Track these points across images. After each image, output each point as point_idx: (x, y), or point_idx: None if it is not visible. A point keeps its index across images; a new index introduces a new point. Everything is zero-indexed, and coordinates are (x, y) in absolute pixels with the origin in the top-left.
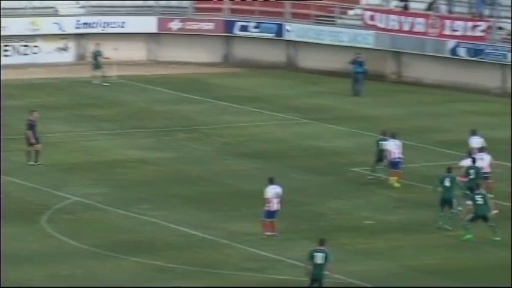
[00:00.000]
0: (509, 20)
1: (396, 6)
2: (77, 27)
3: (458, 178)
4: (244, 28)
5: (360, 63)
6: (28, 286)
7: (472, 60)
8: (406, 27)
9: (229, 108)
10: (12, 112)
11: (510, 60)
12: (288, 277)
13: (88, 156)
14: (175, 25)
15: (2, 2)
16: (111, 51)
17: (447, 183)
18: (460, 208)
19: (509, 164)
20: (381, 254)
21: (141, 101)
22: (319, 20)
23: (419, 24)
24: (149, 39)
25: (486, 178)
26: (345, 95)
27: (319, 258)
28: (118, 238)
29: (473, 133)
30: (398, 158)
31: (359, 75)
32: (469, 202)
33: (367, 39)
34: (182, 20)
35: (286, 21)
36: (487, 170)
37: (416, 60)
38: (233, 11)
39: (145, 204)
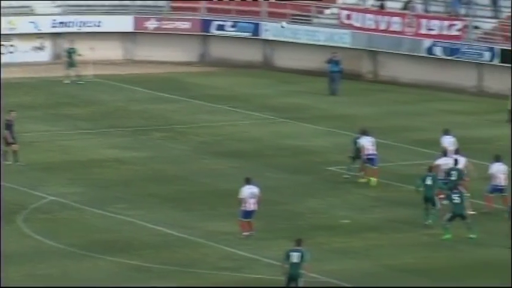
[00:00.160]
0: (485, 19)
1: (372, 6)
2: (53, 27)
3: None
4: (220, 27)
5: (336, 63)
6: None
7: (448, 59)
8: (382, 27)
9: (205, 108)
10: None
11: (486, 59)
12: (264, 276)
13: (64, 155)
14: (151, 24)
15: None
16: (87, 50)
17: (429, 181)
18: (440, 206)
19: (486, 163)
20: (358, 253)
21: (117, 100)
22: (295, 19)
23: (396, 24)
24: (125, 38)
25: (462, 178)
26: (322, 94)
27: (295, 257)
28: (94, 237)
29: (446, 132)
30: (373, 154)
31: (335, 74)
32: (446, 202)
33: (343, 38)
34: (158, 19)
35: (262, 21)
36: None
37: (392, 60)
38: (209, 10)
39: (122, 203)
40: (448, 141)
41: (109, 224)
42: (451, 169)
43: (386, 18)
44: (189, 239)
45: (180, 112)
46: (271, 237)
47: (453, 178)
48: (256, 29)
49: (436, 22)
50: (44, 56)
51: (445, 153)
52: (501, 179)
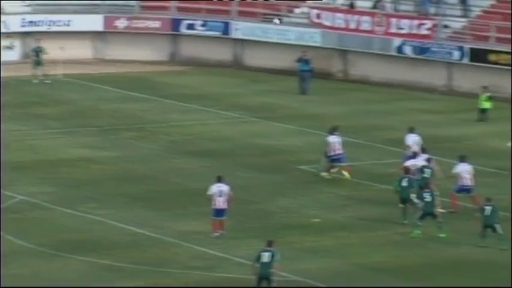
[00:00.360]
0: (455, 18)
1: (342, 5)
2: (23, 26)
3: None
4: (190, 26)
5: (306, 62)
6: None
7: (418, 59)
8: (352, 26)
9: (176, 107)
10: None
11: (456, 58)
12: (235, 275)
13: (34, 155)
14: (121, 23)
15: None
16: (57, 49)
17: (404, 183)
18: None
19: (453, 162)
20: (329, 252)
21: (87, 100)
22: (266, 18)
23: (366, 23)
24: (95, 37)
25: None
26: (292, 93)
27: (265, 257)
28: (64, 237)
29: (411, 130)
30: (339, 154)
31: (305, 73)
32: (417, 201)
33: (313, 37)
34: (128, 19)
35: (232, 20)
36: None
37: (362, 59)
38: (180, 9)
39: (92, 203)
40: (412, 140)
41: (79, 223)
42: (425, 166)
43: (356, 17)
44: (160, 239)
45: (151, 111)
46: (242, 237)
47: (426, 176)
48: (226, 28)
49: (405, 21)
50: (13, 55)
51: (415, 155)
52: (467, 179)
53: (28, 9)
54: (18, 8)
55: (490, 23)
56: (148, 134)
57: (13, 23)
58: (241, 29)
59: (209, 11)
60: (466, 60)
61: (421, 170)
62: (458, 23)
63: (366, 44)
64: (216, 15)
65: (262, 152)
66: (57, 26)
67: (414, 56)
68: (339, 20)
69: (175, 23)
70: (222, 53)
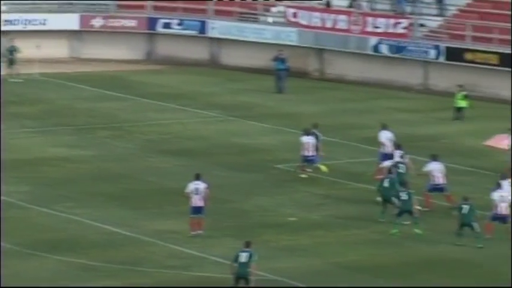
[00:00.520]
0: (431, 17)
1: (319, 4)
2: None
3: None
4: (167, 25)
5: (282, 60)
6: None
7: (394, 57)
8: (328, 25)
9: (152, 106)
10: None
11: (432, 57)
12: (212, 274)
13: (10, 154)
14: (97, 22)
15: None
16: (33, 48)
17: (386, 183)
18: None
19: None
20: (305, 251)
21: (63, 99)
22: (242, 17)
23: (342, 22)
24: (71, 36)
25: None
26: (269, 92)
27: (243, 257)
28: (41, 236)
29: (384, 127)
30: (312, 154)
31: (281, 72)
32: (394, 199)
33: (290, 36)
34: (104, 17)
35: (209, 19)
36: None
37: (339, 57)
38: (156, 8)
39: (68, 202)
40: (386, 137)
41: (55, 222)
42: (399, 162)
43: (332, 16)
44: (136, 238)
45: (127, 110)
46: (218, 235)
47: (401, 171)
48: (202, 27)
49: (382, 20)
50: None
51: (390, 156)
52: (439, 178)
53: (4, 8)
54: None
55: (466, 22)
56: (124, 133)
57: None
58: (217, 28)
59: (185, 10)
60: (442, 59)
61: (395, 166)
62: (434, 22)
63: (342, 42)
64: (193, 14)
65: (239, 151)
66: (33, 25)
67: (390, 55)
68: (315, 19)
69: (152, 22)
70: (198, 52)
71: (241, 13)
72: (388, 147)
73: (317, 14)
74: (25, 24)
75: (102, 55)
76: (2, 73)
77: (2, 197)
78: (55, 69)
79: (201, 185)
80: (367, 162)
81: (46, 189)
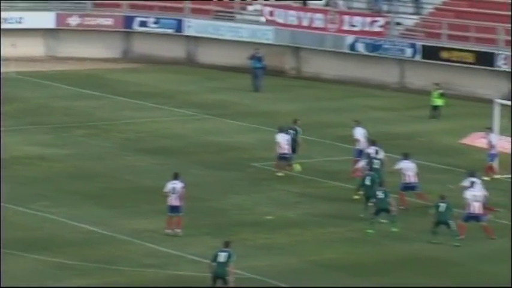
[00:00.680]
0: (407, 16)
1: (295, 2)
2: None
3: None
4: (143, 24)
5: (259, 59)
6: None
7: (371, 56)
8: (305, 23)
9: (129, 104)
10: None
11: (408, 56)
12: (188, 273)
13: None
14: (73, 21)
15: None
16: (9, 47)
17: (367, 182)
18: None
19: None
20: (282, 249)
21: (39, 97)
22: (218, 16)
23: (318, 20)
24: (47, 35)
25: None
26: (245, 90)
27: (222, 257)
28: (17, 235)
29: (357, 124)
30: (287, 153)
31: (258, 70)
32: (369, 202)
33: (266, 34)
34: (81, 16)
35: (185, 17)
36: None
37: (315, 56)
38: (132, 6)
39: (44, 201)
40: (360, 133)
41: (31, 221)
42: (374, 158)
43: (309, 14)
44: (112, 236)
45: (103, 109)
46: (195, 234)
47: (377, 166)
48: (179, 26)
49: (358, 19)
50: None
51: (369, 155)
52: (410, 177)
53: None
54: None
55: (442, 20)
56: (100, 131)
57: None
58: (194, 26)
59: (162, 8)
60: (418, 58)
61: (370, 162)
62: (410, 21)
63: (318, 41)
64: (169, 12)
65: (216, 150)
66: (9, 23)
67: (367, 53)
68: (292, 17)
69: (128, 21)
70: (174, 50)
71: (218, 11)
72: (363, 144)
73: (293, 12)
74: (1, 22)
75: (79, 53)
76: None
77: None
78: (31, 68)
79: (178, 185)
80: (343, 161)
81: (22, 188)
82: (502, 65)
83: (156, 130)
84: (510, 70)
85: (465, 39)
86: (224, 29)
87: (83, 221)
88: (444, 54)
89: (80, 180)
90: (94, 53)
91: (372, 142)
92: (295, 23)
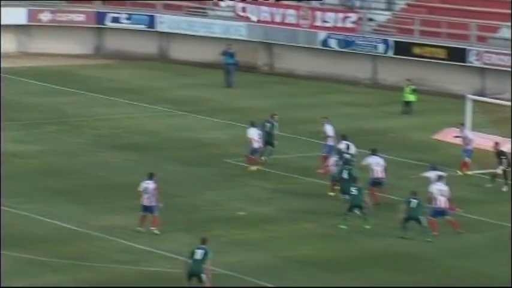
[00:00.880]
0: (379, 12)
1: None
2: None
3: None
4: (115, 20)
5: (231, 55)
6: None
7: (343, 52)
8: (277, 19)
9: (101, 100)
10: None
11: (380, 51)
12: (161, 269)
13: None
14: (45, 16)
15: None
16: None
17: (345, 175)
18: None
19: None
20: (255, 245)
21: (11, 94)
22: (191, 12)
23: (291, 16)
24: (19, 30)
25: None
26: (218, 86)
27: (198, 254)
28: None
29: (327, 121)
30: (258, 146)
31: (230, 66)
32: (346, 196)
33: (239, 30)
34: (53, 12)
35: (157, 13)
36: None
37: (288, 52)
38: (104, 2)
39: (17, 197)
40: (331, 129)
41: (3, 218)
42: (344, 152)
43: (281, 10)
44: (85, 233)
45: (75, 105)
46: (168, 230)
47: (347, 161)
48: (151, 21)
49: (330, 14)
50: None
51: (340, 152)
52: (378, 172)
53: None
54: None
55: (414, 16)
56: (73, 127)
57: None
58: (166, 22)
59: (134, 4)
60: (390, 53)
61: (340, 157)
62: (382, 16)
63: (291, 37)
64: (141, 8)
65: (188, 146)
66: None
67: (339, 49)
68: (265, 13)
69: (100, 16)
70: (147, 46)
71: (190, 7)
72: (334, 140)
73: (266, 8)
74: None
75: (51, 50)
76: None
77: None
78: (2, 64)
79: (150, 185)
80: (316, 157)
81: None
82: (473, 60)
83: (129, 126)
84: (482, 66)
85: (437, 35)
86: (197, 25)
87: (55, 218)
88: (416, 50)
89: (53, 176)
90: (66, 49)
91: (343, 137)
92: (268, 19)
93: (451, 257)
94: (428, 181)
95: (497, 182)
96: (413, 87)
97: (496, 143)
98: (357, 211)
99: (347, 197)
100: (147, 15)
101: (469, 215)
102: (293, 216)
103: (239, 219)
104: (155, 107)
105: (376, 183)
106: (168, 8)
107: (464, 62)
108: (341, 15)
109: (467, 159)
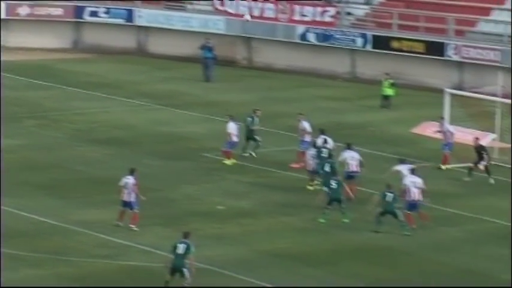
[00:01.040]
0: (358, 6)
1: None
2: None
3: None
4: (94, 13)
5: (210, 49)
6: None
7: (322, 46)
8: (256, 13)
9: (79, 95)
10: None
11: (359, 46)
12: (139, 263)
13: None
14: (23, 10)
15: None
16: None
17: (327, 168)
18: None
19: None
20: (233, 239)
21: None
22: (169, 6)
23: (269, 10)
24: None
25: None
26: (196, 80)
27: (180, 248)
28: None
29: (303, 117)
30: (236, 140)
31: (209, 60)
32: (325, 188)
33: (217, 24)
34: (31, 6)
35: (136, 7)
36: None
37: (266, 46)
38: None
39: None
40: (306, 125)
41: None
42: (322, 147)
43: (260, 4)
44: (64, 227)
45: (54, 99)
46: (147, 224)
47: (324, 155)
48: (129, 16)
49: (309, 8)
50: None
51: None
52: (353, 166)
53: None
54: None
55: (393, 10)
56: (51, 122)
57: None
58: (144, 16)
59: None
60: (368, 47)
61: (318, 152)
62: (361, 10)
63: (269, 31)
64: (119, 2)
65: (167, 140)
66: None
67: (318, 43)
68: (243, 7)
69: (78, 10)
70: (125, 41)
71: (168, 1)
72: (311, 135)
73: (245, 2)
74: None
75: (28, 44)
76: None
77: None
78: None
79: (130, 180)
80: (295, 151)
81: None
82: (452, 54)
83: (108, 120)
84: (461, 60)
85: (415, 29)
86: (175, 19)
87: (34, 212)
88: (394, 44)
89: (31, 170)
90: (44, 43)
91: (321, 131)
92: (247, 13)
93: (430, 250)
94: (400, 175)
95: (475, 176)
96: (391, 81)
97: (476, 138)
98: (335, 205)
99: (327, 189)
100: (125, 9)
101: (448, 208)
102: (271, 210)
103: (217, 213)
104: (133, 101)
105: (350, 176)
106: (147, 2)
107: (442, 56)
108: (319, 9)
109: (447, 153)
